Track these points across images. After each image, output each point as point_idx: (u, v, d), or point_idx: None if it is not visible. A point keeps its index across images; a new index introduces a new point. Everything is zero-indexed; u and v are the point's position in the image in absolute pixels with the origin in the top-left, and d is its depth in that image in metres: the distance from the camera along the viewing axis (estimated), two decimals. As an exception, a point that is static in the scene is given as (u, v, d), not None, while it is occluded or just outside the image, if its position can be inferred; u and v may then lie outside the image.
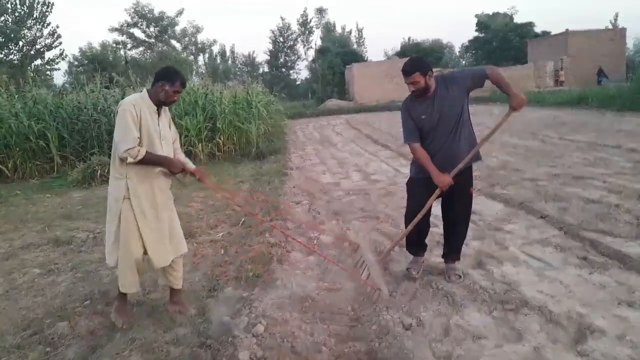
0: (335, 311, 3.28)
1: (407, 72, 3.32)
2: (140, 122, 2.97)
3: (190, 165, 3.31)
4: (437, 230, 4.69)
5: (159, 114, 3.13)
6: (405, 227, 3.77)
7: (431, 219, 3.87)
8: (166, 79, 3.02)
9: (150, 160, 3.00)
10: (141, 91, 3.16)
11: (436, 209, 3.89)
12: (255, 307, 3.15)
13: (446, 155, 3.43)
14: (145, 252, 3.11)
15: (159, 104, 3.11)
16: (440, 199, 3.58)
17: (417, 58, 3.42)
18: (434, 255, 4.17)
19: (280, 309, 3.16)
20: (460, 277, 3.67)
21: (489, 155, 9.28)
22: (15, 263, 4.84)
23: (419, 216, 3.53)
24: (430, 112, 3.39)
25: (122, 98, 11.93)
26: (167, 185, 3.26)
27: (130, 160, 2.90)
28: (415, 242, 3.87)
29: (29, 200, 8.07)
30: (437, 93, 3.40)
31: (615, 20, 64.99)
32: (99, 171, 9.26)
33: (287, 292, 3.50)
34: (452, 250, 3.79)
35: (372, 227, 5.23)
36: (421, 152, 3.43)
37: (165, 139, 3.16)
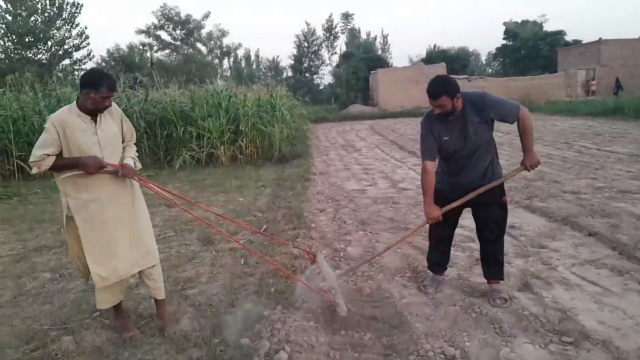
0: (367, 337, 2.92)
1: (433, 95, 3.02)
2: (66, 138, 2.73)
3: (126, 161, 3.00)
4: (475, 245, 4.30)
5: (96, 121, 2.85)
6: (429, 241, 3.64)
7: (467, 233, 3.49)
8: (90, 86, 2.73)
9: (62, 166, 2.78)
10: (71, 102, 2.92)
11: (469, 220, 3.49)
12: (277, 330, 2.80)
13: (465, 179, 3.25)
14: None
15: (91, 113, 2.82)
16: (472, 212, 3.44)
17: (444, 79, 3.10)
18: (475, 274, 3.79)
19: (306, 333, 2.81)
20: (507, 300, 3.30)
21: (524, 165, 8.81)
22: (26, 266, 4.62)
23: (394, 243, 3.56)
24: (454, 134, 3.15)
25: (146, 98, 11.94)
26: (124, 194, 2.99)
27: (35, 170, 2.75)
28: (436, 258, 3.64)
29: (47, 199, 7.92)
30: (465, 115, 3.11)
31: (649, 29, 63.23)
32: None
33: (312, 313, 3.15)
34: (491, 269, 3.45)
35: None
36: (430, 176, 3.21)
37: (109, 147, 2.90)
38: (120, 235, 2.95)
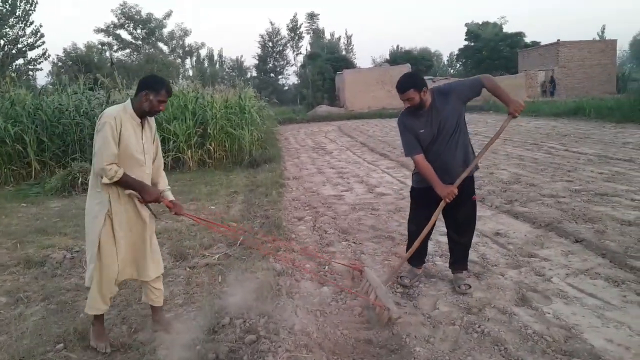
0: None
1: (401, 89, 3.31)
2: (120, 135, 2.76)
3: (167, 195, 3.13)
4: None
5: (142, 126, 2.92)
6: (409, 238, 3.79)
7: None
8: (150, 88, 2.82)
9: (125, 183, 2.79)
10: (124, 101, 2.96)
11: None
12: (268, 362, 2.54)
13: (442, 166, 3.43)
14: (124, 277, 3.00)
15: (143, 115, 2.89)
16: (442, 211, 3.54)
17: (411, 74, 3.42)
18: (481, 290, 3.61)
19: (300, 364, 2.55)
20: (470, 286, 3.60)
21: (497, 167, 8.81)
22: (-23, 289, 4.17)
23: (425, 231, 3.51)
24: (428, 126, 3.39)
25: (107, 100, 11.35)
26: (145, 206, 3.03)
27: (105, 180, 2.72)
28: (416, 253, 3.71)
29: (1, 210, 7.35)
30: (434, 106, 3.39)
31: (603, 32, 66.04)
32: (80, 178, 8.55)
33: (304, 339, 2.89)
34: (458, 259, 3.76)
35: (389, 250, 4.66)
36: (424, 164, 3.40)
37: (149, 154, 2.98)
38: (142, 242, 2.99)
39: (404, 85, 3.30)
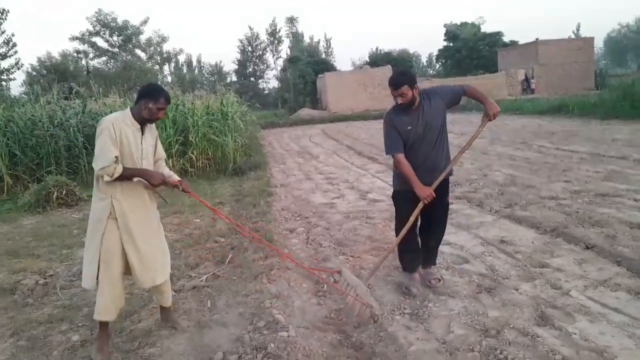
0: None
1: (395, 84, 3.37)
2: (121, 140, 2.87)
3: (174, 177, 3.21)
4: (473, 268, 3.85)
5: (142, 132, 3.03)
6: (400, 243, 3.74)
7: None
8: (149, 96, 2.94)
9: (128, 175, 2.89)
10: (123, 109, 3.13)
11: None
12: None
13: (430, 167, 3.53)
14: (126, 273, 3.04)
15: (143, 122, 3.00)
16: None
17: (404, 71, 3.51)
18: (485, 306, 3.31)
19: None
20: (440, 280, 3.75)
21: (490, 168, 8.58)
22: None
23: (404, 231, 3.55)
24: (415, 124, 3.46)
25: (83, 110, 10.84)
26: (154, 203, 3.18)
27: (107, 178, 2.81)
28: (410, 258, 3.83)
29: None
30: (422, 105, 3.49)
31: (578, 30, 67.08)
32: (55, 193, 8.07)
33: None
34: (429, 257, 3.87)
35: (390, 263, 4.32)
36: (405, 164, 3.46)
37: (147, 159, 3.07)
38: (150, 243, 3.04)
39: (399, 81, 3.35)
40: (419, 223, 3.78)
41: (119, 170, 2.80)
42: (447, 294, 3.60)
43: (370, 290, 3.56)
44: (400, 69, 3.98)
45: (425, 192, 3.39)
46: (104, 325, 3.05)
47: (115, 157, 2.79)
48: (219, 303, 3.73)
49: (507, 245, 4.57)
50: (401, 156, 3.47)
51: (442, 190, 3.63)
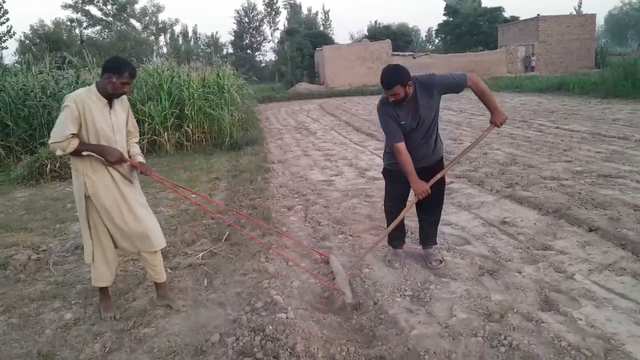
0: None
1: (388, 85, 3.20)
2: (85, 117, 2.85)
3: (138, 158, 3.17)
4: (474, 249, 3.77)
5: (111, 107, 2.99)
6: (386, 217, 3.87)
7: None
8: (113, 70, 2.89)
9: (84, 150, 2.86)
10: (90, 84, 3.10)
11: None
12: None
13: (418, 156, 3.46)
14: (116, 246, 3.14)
15: (109, 97, 2.96)
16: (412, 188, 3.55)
17: (396, 69, 3.25)
18: (487, 289, 3.24)
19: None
20: (442, 261, 3.70)
21: (490, 147, 8.47)
22: None
23: (399, 219, 3.56)
24: (409, 117, 3.35)
25: (77, 80, 10.59)
26: (133, 177, 3.14)
27: (59, 152, 2.81)
28: (394, 236, 3.82)
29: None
30: (416, 98, 3.32)
31: (580, 6, 66.16)
32: (49, 165, 7.96)
33: (310, 361, 2.48)
34: (429, 236, 3.82)
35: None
36: (405, 155, 3.35)
37: (120, 133, 3.05)
38: (129, 216, 3.03)
39: (391, 81, 3.18)
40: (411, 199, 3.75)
41: (73, 144, 2.79)
42: (448, 276, 3.53)
43: (348, 280, 3.51)
44: (392, 66, 3.34)
45: (422, 188, 3.34)
46: (103, 289, 3.24)
47: (72, 134, 2.78)
48: (215, 282, 3.66)
49: (509, 227, 4.50)
50: (403, 146, 3.34)
51: (438, 168, 3.60)
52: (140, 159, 3.19)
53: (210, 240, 4.57)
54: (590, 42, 34.56)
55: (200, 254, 4.21)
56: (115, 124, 2.99)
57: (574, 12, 55.64)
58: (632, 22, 68.76)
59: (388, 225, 3.75)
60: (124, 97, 3.13)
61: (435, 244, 3.88)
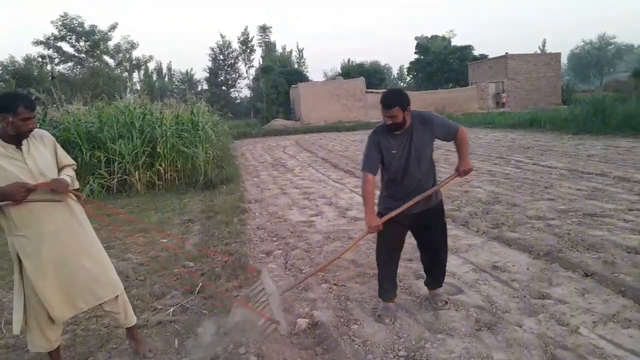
0: None
1: (387, 105, 3.13)
2: None
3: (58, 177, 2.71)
4: (479, 287, 3.49)
5: (22, 150, 2.61)
6: (379, 269, 3.61)
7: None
8: (5, 110, 2.51)
9: None
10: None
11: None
12: None
13: (418, 191, 3.32)
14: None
15: (16, 140, 2.59)
16: (414, 233, 3.58)
17: (398, 92, 3.23)
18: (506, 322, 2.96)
19: None
20: (447, 302, 3.62)
21: (471, 185, 8.35)
22: None
23: (343, 252, 3.67)
24: (402, 148, 3.27)
25: (44, 118, 10.16)
26: (75, 223, 2.77)
27: None
28: (386, 288, 3.57)
29: None
30: (413, 129, 3.26)
31: (544, 46, 69.00)
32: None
33: None
34: (436, 281, 3.69)
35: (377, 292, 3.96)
36: (370, 186, 3.26)
37: (44, 175, 2.63)
38: (76, 268, 2.71)
39: (391, 101, 3.12)
40: (399, 255, 3.64)
41: None
42: (444, 332, 3.24)
43: (281, 305, 3.29)
44: (394, 88, 3.69)
45: (374, 222, 3.24)
46: (52, 353, 2.87)
47: None
48: (187, 343, 3.28)
49: (501, 272, 4.27)
50: (370, 177, 3.27)
51: (438, 213, 3.53)
52: (63, 176, 2.76)
53: (182, 293, 4.20)
54: (556, 80, 35.80)
55: (171, 309, 3.83)
56: (35, 168, 2.61)
57: (539, 51, 57.87)
58: (593, 61, 71.82)
59: (380, 280, 3.60)
60: (44, 133, 2.78)
61: (441, 285, 3.73)
